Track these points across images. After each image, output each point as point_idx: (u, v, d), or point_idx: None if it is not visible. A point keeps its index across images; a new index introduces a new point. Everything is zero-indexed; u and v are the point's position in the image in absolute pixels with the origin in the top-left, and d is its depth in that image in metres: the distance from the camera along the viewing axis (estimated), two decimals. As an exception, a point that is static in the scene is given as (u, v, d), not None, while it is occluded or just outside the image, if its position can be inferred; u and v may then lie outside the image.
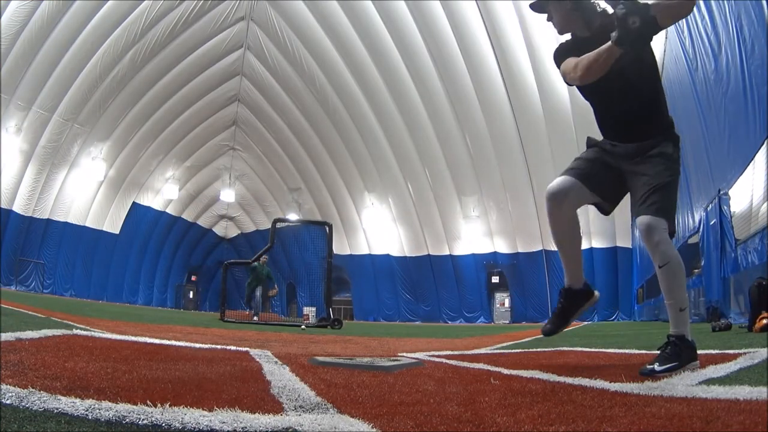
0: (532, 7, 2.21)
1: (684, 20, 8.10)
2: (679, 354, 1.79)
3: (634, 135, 2.04)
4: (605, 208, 2.21)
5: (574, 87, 2.13)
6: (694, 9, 6.69)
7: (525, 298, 20.20)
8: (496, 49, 16.22)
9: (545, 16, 2.17)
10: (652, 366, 1.76)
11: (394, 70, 18.48)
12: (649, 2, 1.75)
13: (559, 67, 2.11)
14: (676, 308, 1.86)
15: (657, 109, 2.04)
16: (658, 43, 11.96)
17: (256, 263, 11.29)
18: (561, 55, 2.10)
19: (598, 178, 2.09)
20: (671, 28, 9.40)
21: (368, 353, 2.95)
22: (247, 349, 2.82)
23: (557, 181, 2.11)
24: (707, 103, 7.34)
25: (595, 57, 1.86)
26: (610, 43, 1.77)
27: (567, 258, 2.24)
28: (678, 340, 1.83)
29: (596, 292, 2.33)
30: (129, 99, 19.99)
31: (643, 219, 1.90)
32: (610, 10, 1.96)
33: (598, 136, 2.24)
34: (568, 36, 2.20)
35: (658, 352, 1.85)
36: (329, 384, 1.57)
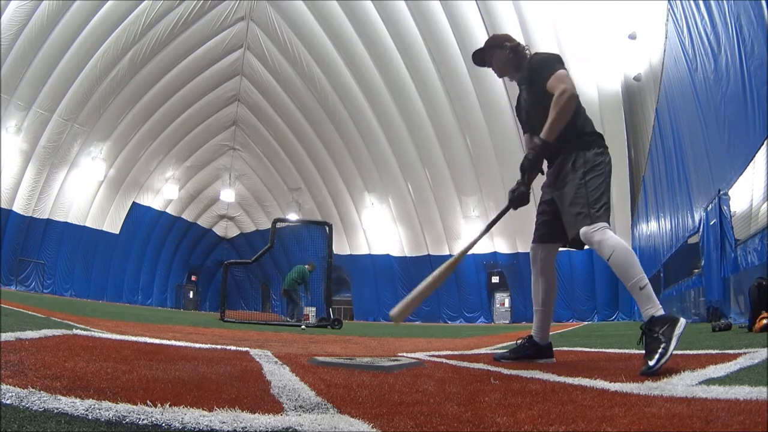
0: (474, 60, 2.60)
1: (684, 21, 8.09)
2: (657, 337, 1.75)
3: (549, 160, 2.34)
4: (577, 246, 2.31)
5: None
6: (695, 9, 6.66)
7: (525, 298, 20.18)
8: (496, 49, 16.21)
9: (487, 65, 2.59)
10: (646, 365, 1.73)
11: (394, 70, 18.48)
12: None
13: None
14: (636, 288, 1.90)
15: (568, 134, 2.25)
16: (657, 43, 11.95)
17: (306, 266, 10.96)
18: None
19: (555, 230, 2.31)
20: (670, 29, 9.41)
21: (368, 353, 2.95)
22: (247, 349, 2.82)
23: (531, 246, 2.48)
24: (707, 104, 7.33)
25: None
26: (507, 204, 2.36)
27: (540, 313, 2.43)
28: (648, 325, 1.81)
29: (554, 359, 2.45)
30: (129, 99, 19.99)
31: (577, 237, 2.10)
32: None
33: None
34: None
35: (643, 351, 1.82)
36: (329, 384, 1.57)
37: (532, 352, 2.42)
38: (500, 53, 2.50)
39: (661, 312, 1.83)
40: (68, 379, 1.35)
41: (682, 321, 1.78)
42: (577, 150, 2.21)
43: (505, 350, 2.55)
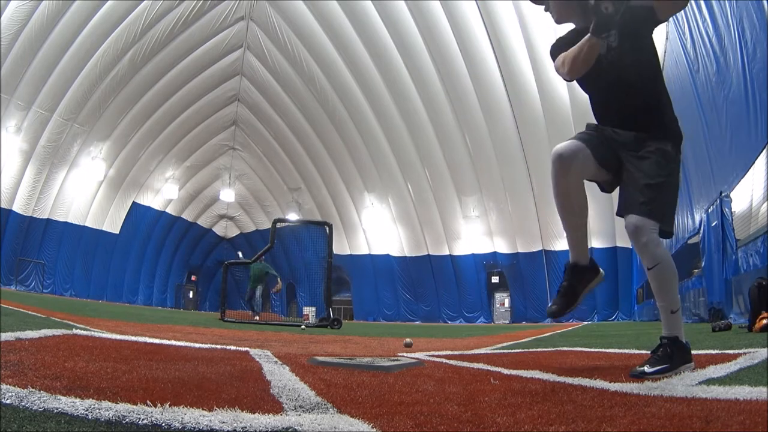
0: None
1: (686, 22, 8.09)
2: (671, 356, 1.74)
3: (630, 126, 1.95)
4: (607, 186, 2.08)
5: (575, 83, 2.10)
6: (695, 10, 6.65)
7: (525, 298, 20.20)
8: (496, 49, 16.23)
9: (543, 8, 2.11)
10: (642, 368, 1.72)
11: (394, 70, 18.48)
12: None
13: (554, 62, 2.06)
14: (668, 310, 1.81)
15: (656, 104, 1.96)
16: (658, 44, 11.95)
17: (252, 263, 11.35)
18: (556, 50, 2.05)
19: (605, 151, 1.96)
20: (672, 30, 9.39)
21: (368, 353, 2.95)
22: (247, 349, 2.82)
23: (565, 143, 1.93)
24: (709, 105, 7.33)
25: (578, 50, 1.82)
26: (589, 34, 1.73)
27: (573, 230, 2.07)
28: (670, 342, 1.78)
29: (602, 270, 2.19)
30: (129, 99, 19.99)
31: (630, 219, 1.82)
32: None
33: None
34: (567, 29, 2.11)
35: (650, 353, 1.82)
36: (329, 384, 1.57)
37: (583, 279, 2.12)
38: None
39: (685, 340, 1.82)
40: (68, 379, 1.35)
41: (693, 364, 1.81)
42: (670, 140, 1.93)
43: (553, 305, 2.14)
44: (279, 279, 12.75)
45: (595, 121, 2.11)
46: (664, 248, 1.81)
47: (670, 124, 1.96)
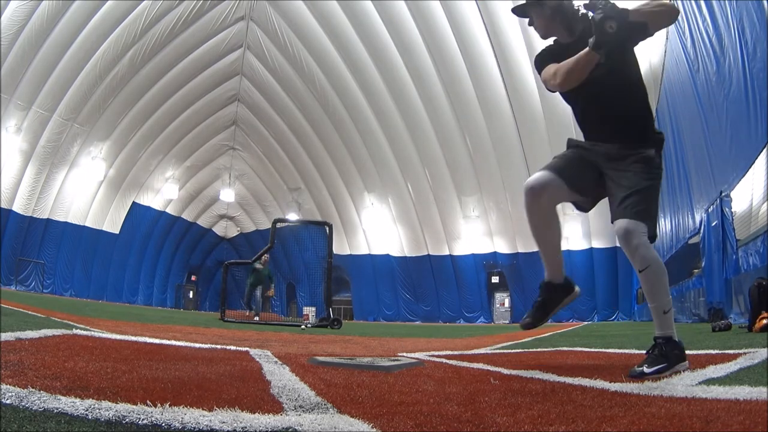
0: (514, 11, 2.26)
1: (686, 22, 8.09)
2: (667, 355, 1.77)
3: (615, 136, 2.02)
4: (584, 206, 2.19)
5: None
6: (695, 10, 6.66)
7: (525, 298, 20.19)
8: (496, 49, 16.23)
9: (527, 21, 2.21)
10: (641, 368, 1.74)
11: (394, 70, 18.48)
12: (630, 8, 1.75)
13: (540, 73, 2.12)
14: (660, 311, 1.84)
15: (640, 113, 2.03)
16: (658, 44, 11.95)
17: (258, 264, 11.33)
18: (542, 61, 2.11)
19: (578, 175, 2.06)
20: (672, 30, 9.39)
21: (368, 353, 2.95)
22: (247, 349, 2.82)
23: (536, 175, 2.05)
24: (709, 105, 7.33)
25: (574, 63, 1.87)
26: (588, 48, 1.78)
27: (546, 252, 2.19)
28: (665, 341, 1.81)
29: (577, 288, 2.28)
30: (129, 99, 19.99)
31: (620, 222, 1.88)
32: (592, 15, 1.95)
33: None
34: (551, 41, 2.20)
35: (646, 353, 1.84)
36: (329, 384, 1.57)
37: (556, 296, 2.22)
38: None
39: (678, 339, 1.85)
40: (68, 379, 1.35)
41: (687, 363, 1.84)
42: (653, 146, 2.00)
43: (527, 317, 2.25)
44: (273, 285, 12.61)
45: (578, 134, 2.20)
46: (653, 251, 1.87)
47: (652, 131, 2.03)
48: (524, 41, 15.40)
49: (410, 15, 16.76)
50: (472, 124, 18.55)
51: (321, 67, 19.84)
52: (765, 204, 5.97)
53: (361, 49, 18.44)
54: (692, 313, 9.05)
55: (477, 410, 1.18)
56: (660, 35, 11.07)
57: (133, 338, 3.04)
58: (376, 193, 22.75)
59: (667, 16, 1.85)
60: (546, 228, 2.12)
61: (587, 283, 18.65)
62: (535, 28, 2.16)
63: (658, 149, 2.01)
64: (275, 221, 10.16)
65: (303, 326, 8.40)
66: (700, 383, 1.52)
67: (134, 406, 1.07)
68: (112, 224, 23.20)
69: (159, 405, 1.09)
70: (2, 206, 18.30)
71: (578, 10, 2.07)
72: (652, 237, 1.89)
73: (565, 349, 3.39)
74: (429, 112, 19.15)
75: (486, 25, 15.76)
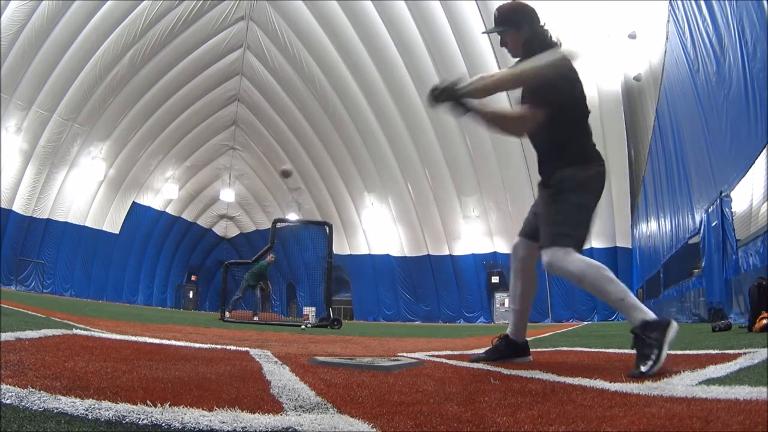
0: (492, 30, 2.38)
1: (686, 22, 8.09)
2: (650, 343, 1.72)
3: (540, 167, 2.21)
4: None
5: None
6: (696, 10, 6.63)
7: (525, 299, 20.18)
8: (496, 49, 16.22)
9: (500, 40, 2.40)
10: (638, 369, 1.71)
11: (394, 70, 18.48)
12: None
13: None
14: (618, 303, 1.87)
15: (557, 141, 2.12)
16: (658, 44, 11.94)
17: (263, 262, 11.28)
18: None
19: (530, 224, 2.25)
20: (672, 30, 9.40)
21: (368, 353, 2.95)
22: (247, 349, 2.82)
23: (514, 240, 2.34)
24: (709, 105, 7.32)
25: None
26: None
27: (516, 312, 2.36)
28: (639, 330, 1.78)
29: (530, 357, 2.39)
30: (129, 99, 19.99)
31: (542, 255, 1.99)
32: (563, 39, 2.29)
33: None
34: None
35: (634, 351, 1.81)
36: (329, 384, 1.57)
37: (509, 351, 2.36)
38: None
39: (652, 316, 1.80)
40: (68, 379, 1.35)
41: (674, 325, 1.75)
42: (575, 161, 2.10)
43: (482, 352, 2.47)
44: (262, 286, 12.02)
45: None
46: (579, 262, 1.91)
47: (569, 150, 2.10)
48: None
49: (410, 15, 16.76)
50: (472, 124, 18.52)
51: (321, 67, 19.84)
52: (765, 204, 5.97)
53: (361, 49, 18.44)
54: (692, 313, 9.04)
55: (477, 410, 1.18)
56: (660, 35, 11.07)
57: (133, 338, 3.04)
58: (376, 193, 22.76)
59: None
60: (520, 289, 2.32)
61: (587, 283, 18.62)
62: (506, 48, 2.38)
63: (575, 162, 2.07)
64: (275, 221, 10.15)
65: (303, 326, 8.40)
66: (700, 383, 1.52)
67: (134, 406, 1.07)
68: (112, 224, 23.21)
69: (159, 405, 1.09)
70: (2, 206, 18.30)
71: (549, 36, 2.27)
72: (578, 246, 1.95)
73: (565, 349, 3.39)
74: (429, 112, 19.14)
75: (486, 24, 15.75)
